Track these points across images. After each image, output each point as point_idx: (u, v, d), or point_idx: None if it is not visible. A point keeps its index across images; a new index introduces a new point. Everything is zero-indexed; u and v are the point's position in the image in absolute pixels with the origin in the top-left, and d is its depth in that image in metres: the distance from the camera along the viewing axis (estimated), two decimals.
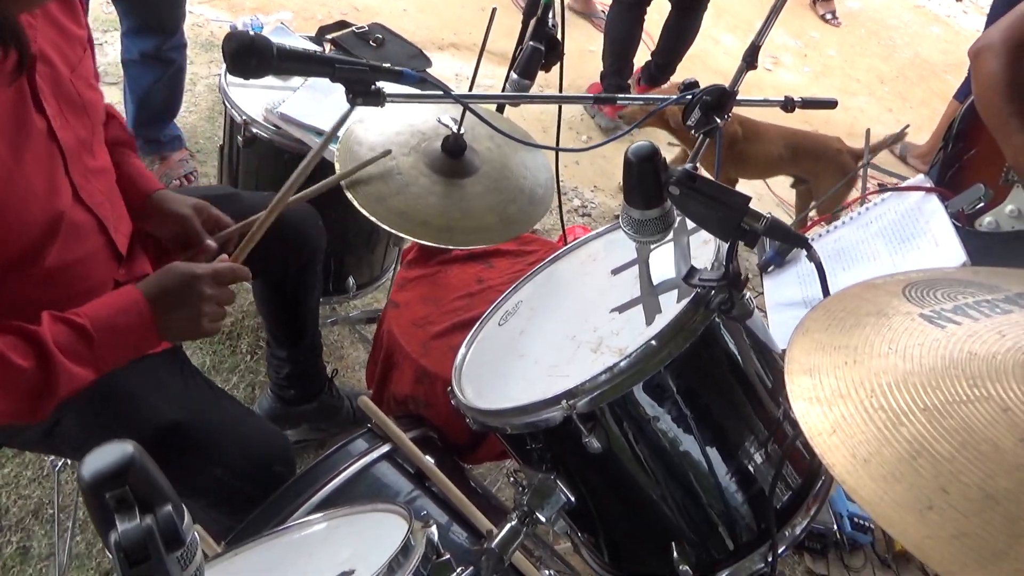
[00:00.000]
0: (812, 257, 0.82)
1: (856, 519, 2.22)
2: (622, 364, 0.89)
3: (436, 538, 0.76)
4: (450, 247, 1.60)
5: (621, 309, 1.03)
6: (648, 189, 0.86)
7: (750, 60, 1.39)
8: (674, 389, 0.92)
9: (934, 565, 0.45)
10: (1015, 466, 0.50)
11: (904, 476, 0.51)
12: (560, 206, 1.77)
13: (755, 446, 0.97)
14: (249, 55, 1.03)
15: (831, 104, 1.62)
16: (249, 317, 2.35)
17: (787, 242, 0.83)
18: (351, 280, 2.14)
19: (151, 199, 1.33)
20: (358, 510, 0.94)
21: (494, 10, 1.43)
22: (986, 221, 1.99)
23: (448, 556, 0.78)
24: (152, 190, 1.33)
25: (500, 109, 1.90)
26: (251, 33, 1.06)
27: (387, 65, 1.15)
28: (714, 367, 0.96)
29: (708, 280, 0.90)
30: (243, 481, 1.28)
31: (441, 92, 1.21)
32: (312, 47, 2.13)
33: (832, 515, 2.22)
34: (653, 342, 0.89)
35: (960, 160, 2.02)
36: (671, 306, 0.95)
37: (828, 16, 5.15)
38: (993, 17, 3.35)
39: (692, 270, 0.93)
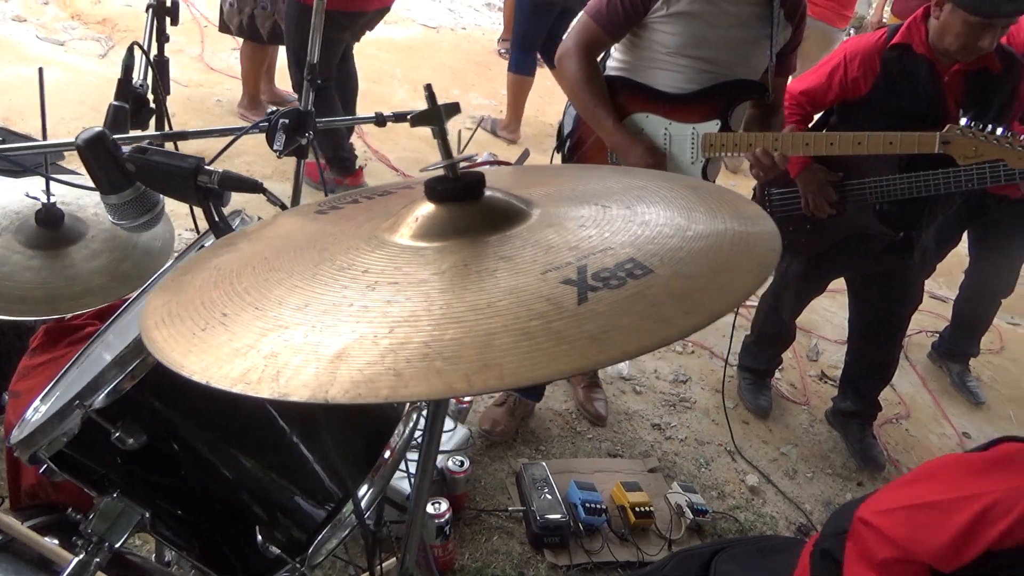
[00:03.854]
0: (272, 200, 0.87)
1: (588, 504, 2.31)
2: (125, 353, 0.87)
3: None
4: (56, 316, 1.51)
5: None
6: (110, 172, 0.88)
7: (311, 78, 1.49)
8: None
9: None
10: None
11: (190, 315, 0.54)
12: None
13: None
14: None
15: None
16: None
17: (241, 189, 0.87)
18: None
19: None
20: None
21: (40, 69, 1.40)
22: None
23: None
24: None
25: None
26: None
27: None
28: None
29: None
30: None
31: None
32: None
33: (566, 507, 2.29)
34: None
35: (575, 155, 2.27)
36: None
37: None
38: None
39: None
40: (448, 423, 2.34)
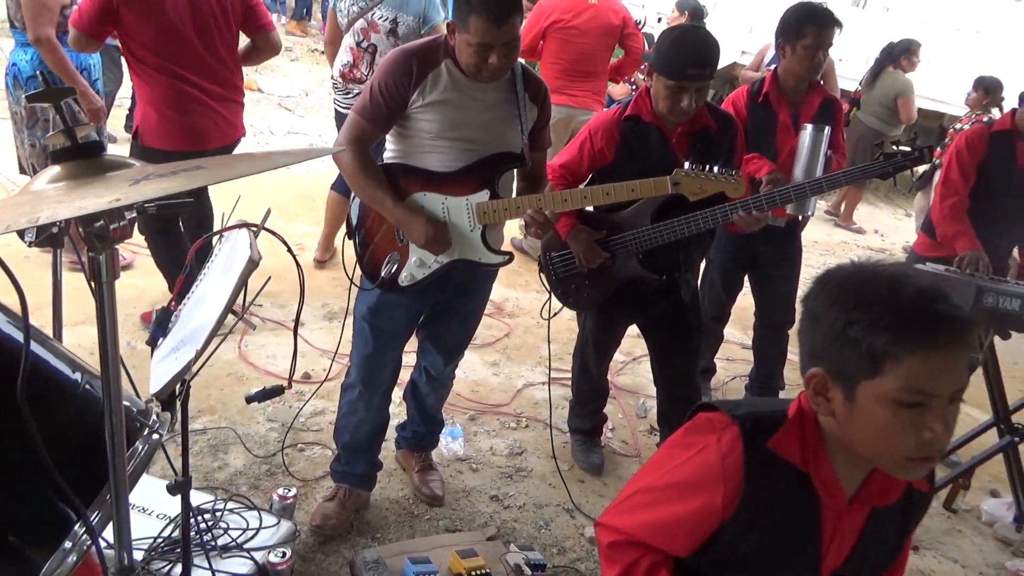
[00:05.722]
0: None
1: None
2: None
3: None
4: None
5: None
6: None
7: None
8: None
9: None
10: None
11: None
12: None
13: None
14: None
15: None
16: None
17: None
18: None
19: None
20: None
21: None
22: (404, 275, 2.38)
23: None
24: None
25: None
26: None
27: None
28: None
29: None
30: None
31: None
32: None
33: None
34: None
35: (365, 239, 2.43)
36: None
37: None
38: None
39: None
40: (269, 519, 2.30)
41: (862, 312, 1.06)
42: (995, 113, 6.35)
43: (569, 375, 3.29)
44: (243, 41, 3.58)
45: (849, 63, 7.45)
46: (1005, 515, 3.31)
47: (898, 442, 1.08)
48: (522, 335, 4.31)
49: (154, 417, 1.14)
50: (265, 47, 3.60)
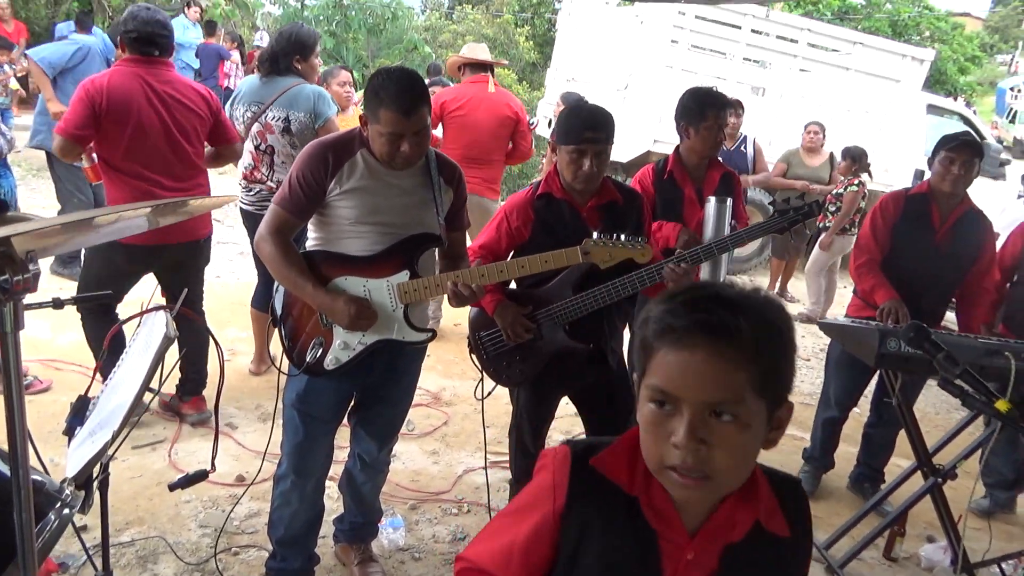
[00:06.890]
0: None
1: None
2: None
3: None
4: None
5: None
6: None
7: None
8: None
9: None
10: None
11: None
12: None
13: None
14: None
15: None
16: None
17: None
18: None
19: None
20: None
21: None
22: (329, 359, 2.41)
23: None
24: None
25: None
26: None
27: None
28: None
29: None
30: None
31: None
32: None
33: None
34: None
35: (294, 329, 2.46)
36: None
37: None
38: None
39: None
40: None
41: (654, 308, 1.07)
42: (864, 177, 6.90)
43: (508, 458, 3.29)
44: None
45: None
46: (943, 559, 3.39)
47: (653, 443, 1.04)
48: (460, 422, 4.30)
49: (67, 492, 1.13)
50: (229, 156, 3.87)
